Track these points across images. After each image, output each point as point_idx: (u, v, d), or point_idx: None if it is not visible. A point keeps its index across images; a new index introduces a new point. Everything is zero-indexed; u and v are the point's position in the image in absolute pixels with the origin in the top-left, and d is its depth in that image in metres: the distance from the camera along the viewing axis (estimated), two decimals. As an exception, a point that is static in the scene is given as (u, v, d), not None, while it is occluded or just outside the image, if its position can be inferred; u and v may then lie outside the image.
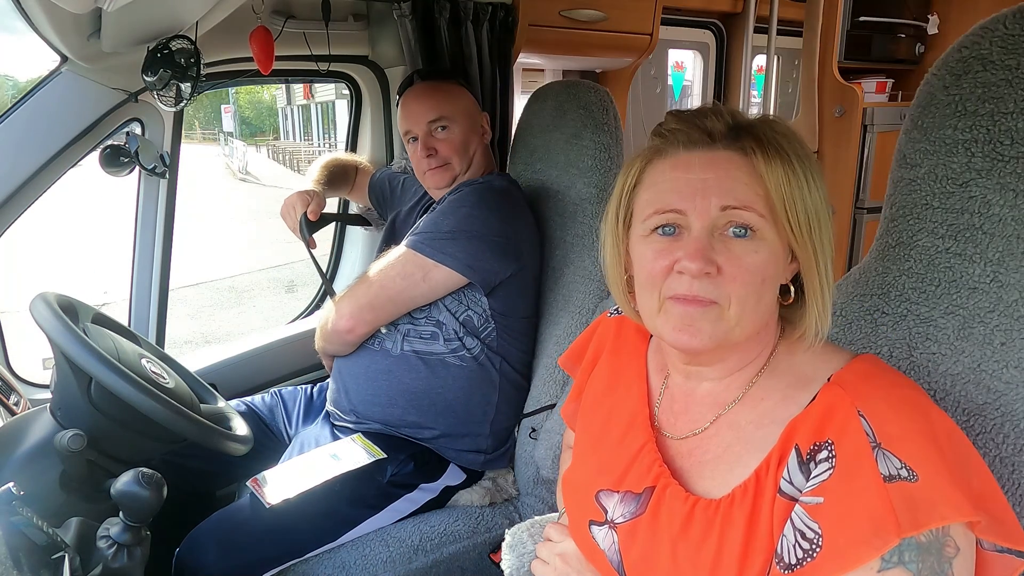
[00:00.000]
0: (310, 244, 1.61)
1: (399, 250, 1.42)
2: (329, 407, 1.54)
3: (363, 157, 2.07)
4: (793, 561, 0.61)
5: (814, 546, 0.59)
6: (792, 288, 0.71)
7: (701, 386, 0.76)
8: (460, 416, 1.45)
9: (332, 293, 1.64)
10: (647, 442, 0.77)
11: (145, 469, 0.96)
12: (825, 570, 0.58)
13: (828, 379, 0.67)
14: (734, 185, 0.66)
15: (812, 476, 0.62)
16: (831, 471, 0.61)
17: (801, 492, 0.63)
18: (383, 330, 1.46)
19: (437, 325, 1.44)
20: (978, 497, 0.58)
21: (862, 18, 2.75)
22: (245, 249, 9.61)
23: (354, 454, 1.38)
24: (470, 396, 1.46)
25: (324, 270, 1.68)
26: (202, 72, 1.39)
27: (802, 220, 0.66)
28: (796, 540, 0.61)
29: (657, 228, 0.69)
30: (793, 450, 0.65)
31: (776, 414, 0.69)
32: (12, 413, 1.20)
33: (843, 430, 0.62)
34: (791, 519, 0.62)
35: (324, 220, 1.66)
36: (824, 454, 0.62)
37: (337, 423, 1.51)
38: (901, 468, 0.58)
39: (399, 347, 1.45)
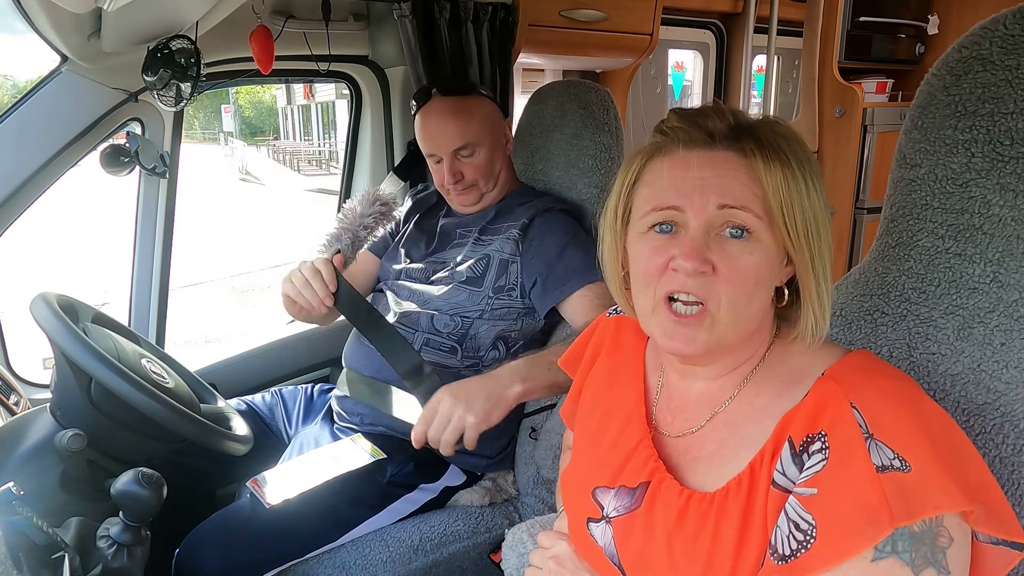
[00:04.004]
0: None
1: (589, 289, 1.34)
2: (335, 407, 1.53)
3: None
4: (787, 552, 0.61)
5: (808, 537, 0.60)
6: (787, 291, 0.71)
7: (696, 385, 0.77)
8: None
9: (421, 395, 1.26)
10: (643, 439, 0.77)
11: (145, 469, 0.96)
12: (819, 561, 0.59)
13: (822, 373, 0.67)
14: (732, 185, 0.66)
15: (805, 468, 0.63)
16: (824, 462, 0.61)
17: (794, 484, 0.63)
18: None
19: (460, 340, 1.42)
20: (973, 488, 0.58)
21: (862, 18, 2.74)
22: (245, 249, 9.61)
23: (354, 454, 1.38)
24: None
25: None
26: (202, 72, 1.39)
27: (799, 224, 0.66)
28: (790, 531, 0.61)
29: (654, 225, 0.70)
30: (786, 442, 0.65)
31: (770, 409, 0.69)
32: (12, 413, 1.20)
33: (836, 422, 0.62)
34: (785, 511, 0.63)
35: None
36: (817, 446, 0.62)
37: (339, 423, 1.51)
38: (894, 459, 0.58)
39: None
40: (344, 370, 1.54)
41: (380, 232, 1.55)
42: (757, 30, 2.79)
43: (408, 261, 1.57)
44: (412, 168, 1.98)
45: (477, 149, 1.46)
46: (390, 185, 1.92)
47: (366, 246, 1.65)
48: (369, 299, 1.62)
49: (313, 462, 1.37)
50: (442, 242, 1.55)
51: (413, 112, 1.54)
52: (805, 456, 0.63)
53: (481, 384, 1.17)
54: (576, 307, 1.37)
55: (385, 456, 1.38)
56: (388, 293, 1.53)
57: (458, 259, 1.48)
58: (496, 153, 1.50)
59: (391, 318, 1.47)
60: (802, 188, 0.66)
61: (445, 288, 1.44)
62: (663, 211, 0.69)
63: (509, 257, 1.42)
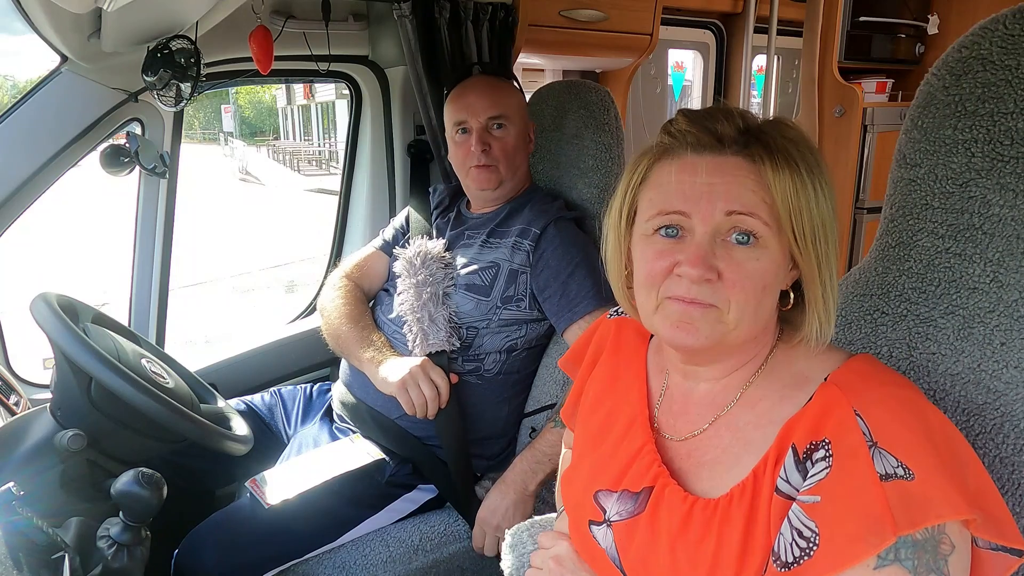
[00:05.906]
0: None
1: (592, 315, 1.34)
2: (337, 410, 1.52)
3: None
4: (790, 560, 0.61)
5: (811, 544, 0.60)
6: (792, 294, 0.71)
7: (699, 387, 0.76)
8: (470, 429, 1.44)
9: None
10: (646, 443, 0.77)
11: (145, 469, 0.96)
12: (822, 568, 0.59)
13: (825, 379, 0.67)
14: (741, 191, 0.66)
15: (809, 475, 0.63)
16: (828, 470, 0.61)
17: (798, 491, 0.63)
18: (408, 347, 1.42)
19: (464, 348, 1.42)
20: (973, 495, 0.58)
21: (862, 18, 2.74)
22: (245, 249, 9.61)
23: (353, 454, 1.38)
24: (483, 411, 1.45)
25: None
26: (202, 72, 1.39)
27: (807, 230, 0.66)
28: (793, 539, 0.61)
29: (660, 229, 0.69)
30: (790, 449, 0.65)
31: (773, 414, 0.69)
32: (12, 413, 1.20)
33: (840, 429, 0.62)
34: (788, 518, 0.63)
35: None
36: (821, 453, 0.62)
37: (338, 423, 1.51)
38: (897, 467, 0.58)
39: None
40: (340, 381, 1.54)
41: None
42: (757, 30, 2.78)
43: None
44: (416, 169, 1.98)
45: (509, 126, 1.47)
46: (413, 211, 1.69)
47: (379, 246, 1.64)
48: (375, 299, 1.62)
49: (312, 462, 1.37)
50: (449, 245, 1.52)
51: (446, 92, 1.54)
52: (809, 463, 0.63)
53: (511, 501, 1.37)
54: (577, 333, 1.36)
55: (384, 456, 1.38)
56: (394, 295, 1.50)
57: (464, 261, 1.47)
58: (521, 143, 1.50)
59: (394, 322, 1.47)
60: (811, 194, 0.65)
61: (452, 294, 1.44)
62: (669, 215, 0.68)
63: (519, 268, 1.41)
